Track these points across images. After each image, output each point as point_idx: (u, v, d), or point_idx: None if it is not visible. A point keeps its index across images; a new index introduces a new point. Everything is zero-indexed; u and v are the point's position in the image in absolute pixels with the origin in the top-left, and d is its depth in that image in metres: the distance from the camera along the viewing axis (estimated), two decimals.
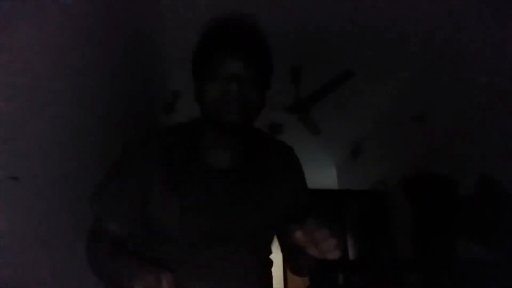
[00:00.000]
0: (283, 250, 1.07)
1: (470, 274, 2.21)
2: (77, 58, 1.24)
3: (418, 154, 3.31)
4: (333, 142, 4.65)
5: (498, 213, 2.27)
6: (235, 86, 0.84)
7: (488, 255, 2.24)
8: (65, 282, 1.12)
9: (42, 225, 1.01)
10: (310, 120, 3.57)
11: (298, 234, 0.73)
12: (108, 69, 1.60)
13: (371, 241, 3.83)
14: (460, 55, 2.79)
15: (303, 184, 1.07)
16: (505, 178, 2.27)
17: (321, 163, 5.21)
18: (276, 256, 1.09)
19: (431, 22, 2.72)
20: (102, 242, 0.89)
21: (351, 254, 3.90)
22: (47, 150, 1.04)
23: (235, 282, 0.92)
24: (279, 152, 1.05)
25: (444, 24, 2.70)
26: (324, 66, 3.25)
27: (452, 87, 2.92)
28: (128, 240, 0.94)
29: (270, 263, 1.06)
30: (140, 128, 2.10)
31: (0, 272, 0.85)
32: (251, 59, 0.88)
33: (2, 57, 0.83)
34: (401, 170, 3.46)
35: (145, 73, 2.47)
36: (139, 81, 2.24)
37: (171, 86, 3.44)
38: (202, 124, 0.95)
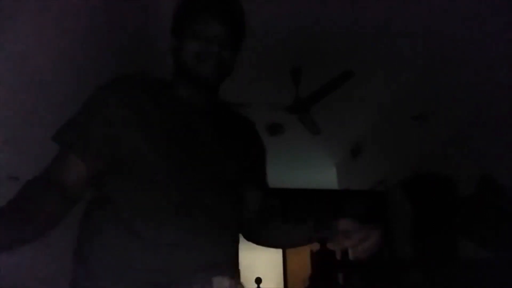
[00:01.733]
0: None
1: (470, 274, 2.20)
2: (77, 59, 1.25)
3: (418, 154, 3.31)
4: (333, 142, 4.65)
5: (498, 213, 2.27)
6: (215, 47, 0.92)
7: (488, 255, 2.23)
8: (65, 282, 1.12)
9: None
10: (310, 120, 3.57)
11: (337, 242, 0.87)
12: (108, 69, 1.60)
13: None
14: (460, 55, 2.79)
15: (263, 155, 1.12)
16: (505, 178, 2.27)
17: (321, 163, 5.21)
18: (277, 256, 1.09)
19: (432, 22, 2.72)
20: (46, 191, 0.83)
21: (351, 254, 3.89)
22: (47, 150, 1.04)
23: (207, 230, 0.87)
24: (245, 121, 1.11)
25: (445, 24, 2.70)
26: (324, 66, 3.25)
27: (452, 87, 2.92)
28: (76, 200, 0.89)
29: (237, 240, 0.99)
30: None
31: (0, 272, 0.85)
32: (231, 24, 0.95)
33: (3, 58, 0.83)
34: (401, 170, 3.46)
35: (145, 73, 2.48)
36: None
37: None
38: (173, 81, 1.00)
